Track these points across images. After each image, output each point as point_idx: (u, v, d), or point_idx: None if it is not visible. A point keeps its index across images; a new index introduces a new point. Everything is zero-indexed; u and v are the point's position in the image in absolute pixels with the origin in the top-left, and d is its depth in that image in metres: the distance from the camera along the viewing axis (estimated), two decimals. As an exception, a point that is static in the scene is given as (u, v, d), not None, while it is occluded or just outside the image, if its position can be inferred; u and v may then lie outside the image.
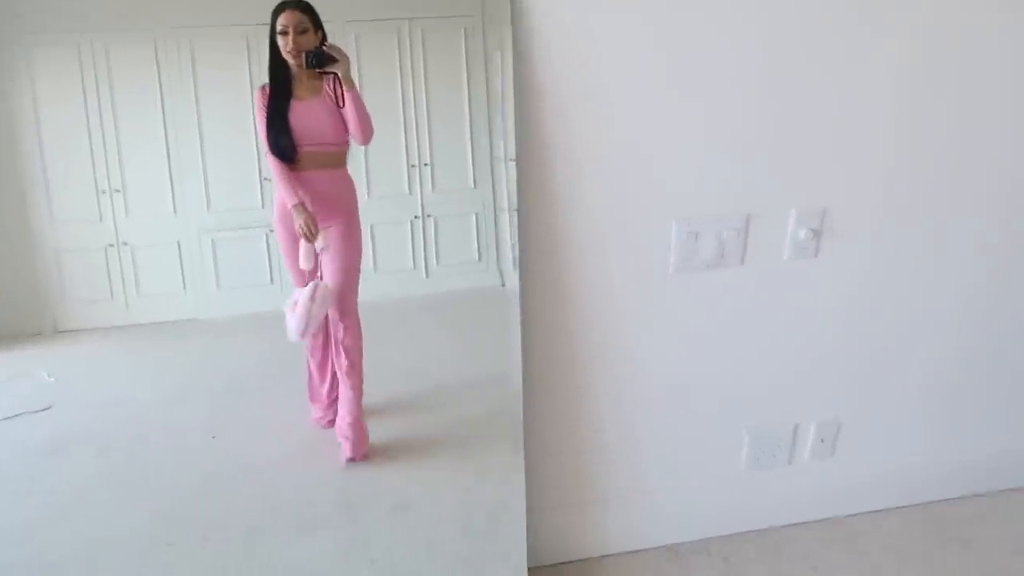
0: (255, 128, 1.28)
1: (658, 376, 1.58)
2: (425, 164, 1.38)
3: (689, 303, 1.53)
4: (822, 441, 1.71)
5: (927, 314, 1.65)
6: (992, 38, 1.44)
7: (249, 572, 1.27)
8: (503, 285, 1.45)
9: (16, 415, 1.32)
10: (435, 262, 1.43)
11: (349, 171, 1.36)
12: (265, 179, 1.35)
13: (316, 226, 1.36)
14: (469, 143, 1.39)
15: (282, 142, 1.34)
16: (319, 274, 1.39)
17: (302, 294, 1.38)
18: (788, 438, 1.70)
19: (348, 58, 1.31)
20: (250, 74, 1.24)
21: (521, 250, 1.38)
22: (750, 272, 1.53)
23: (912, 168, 1.52)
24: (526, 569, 1.38)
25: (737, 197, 1.47)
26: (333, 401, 1.48)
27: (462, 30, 1.30)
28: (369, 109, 1.28)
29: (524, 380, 1.44)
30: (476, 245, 1.45)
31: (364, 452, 1.45)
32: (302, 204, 1.36)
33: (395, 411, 1.49)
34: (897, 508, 1.80)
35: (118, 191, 1.22)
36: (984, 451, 1.82)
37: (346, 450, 1.44)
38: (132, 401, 1.39)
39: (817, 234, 1.51)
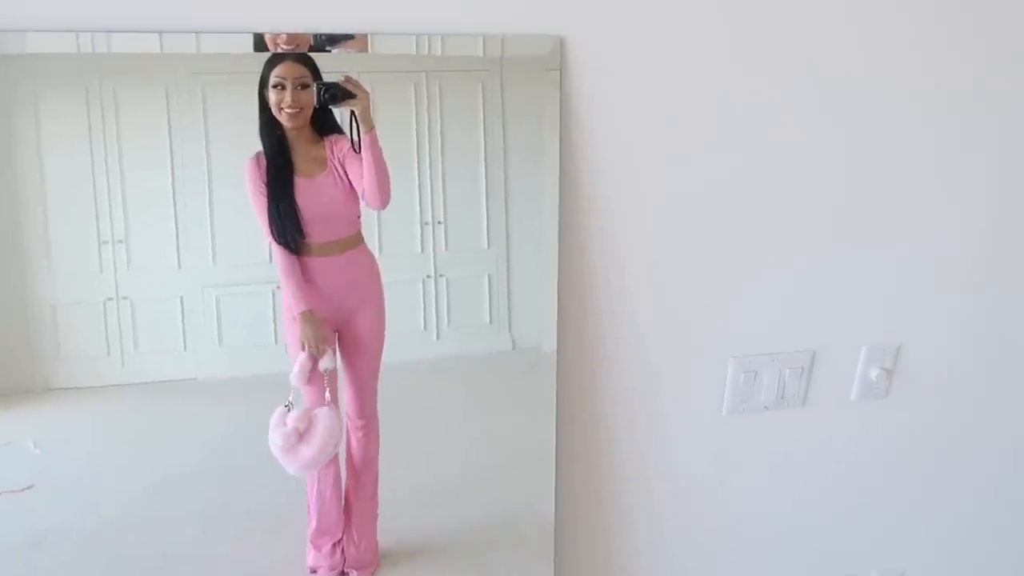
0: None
1: (703, 518, 1.49)
2: (439, 222, 1.32)
3: (741, 447, 1.45)
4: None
5: (1002, 458, 1.55)
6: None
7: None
8: (514, 349, 1.38)
9: (-4, 494, 1.22)
10: (446, 324, 1.37)
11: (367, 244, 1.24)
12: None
13: (326, 344, 1.21)
14: (484, 202, 1.34)
15: (289, 231, 1.17)
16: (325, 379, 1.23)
17: (320, 418, 1.22)
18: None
19: (368, 94, 1.14)
20: (263, 124, 1.19)
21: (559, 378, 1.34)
22: (812, 414, 1.45)
23: (993, 303, 1.44)
24: None
25: (802, 332, 1.39)
26: (341, 539, 1.31)
27: (479, 85, 1.27)
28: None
29: (557, 517, 1.36)
30: (488, 307, 1.40)
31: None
32: (311, 312, 1.19)
33: (402, 504, 1.38)
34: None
35: (120, 242, 1.16)
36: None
37: None
38: (120, 480, 1.29)
39: (889, 373, 1.43)
